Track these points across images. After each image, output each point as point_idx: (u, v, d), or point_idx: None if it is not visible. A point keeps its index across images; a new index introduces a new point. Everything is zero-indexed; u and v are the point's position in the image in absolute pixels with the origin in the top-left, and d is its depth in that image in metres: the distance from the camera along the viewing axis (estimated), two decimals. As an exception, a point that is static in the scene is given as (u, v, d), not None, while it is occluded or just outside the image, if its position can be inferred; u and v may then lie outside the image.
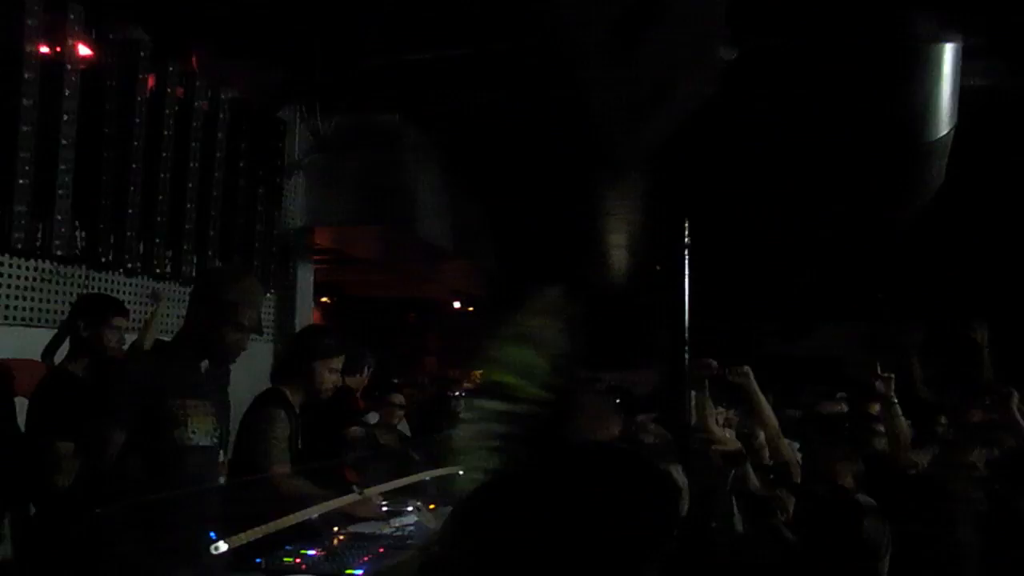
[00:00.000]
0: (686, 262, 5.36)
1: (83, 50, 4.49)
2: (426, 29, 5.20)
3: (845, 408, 5.73)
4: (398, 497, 3.71)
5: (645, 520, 1.04)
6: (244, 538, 2.58)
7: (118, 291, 4.80)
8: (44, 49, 4.25)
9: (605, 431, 3.63)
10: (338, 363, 3.66)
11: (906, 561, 3.38)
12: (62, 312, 4.30)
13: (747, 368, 4.07)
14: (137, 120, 4.86)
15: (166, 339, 3.06)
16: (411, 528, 3.39)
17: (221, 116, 5.63)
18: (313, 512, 3.03)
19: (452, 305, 12.88)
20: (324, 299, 11.06)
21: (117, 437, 2.63)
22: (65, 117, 4.33)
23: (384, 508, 3.56)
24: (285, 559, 2.89)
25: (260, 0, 5.01)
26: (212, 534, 2.55)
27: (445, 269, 9.82)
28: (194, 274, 5.30)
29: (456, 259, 8.84)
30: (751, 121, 5.56)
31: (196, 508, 2.70)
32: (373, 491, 3.50)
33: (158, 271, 5.13)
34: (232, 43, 5.46)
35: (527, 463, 1.21)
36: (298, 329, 5.93)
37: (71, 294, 4.47)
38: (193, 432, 2.73)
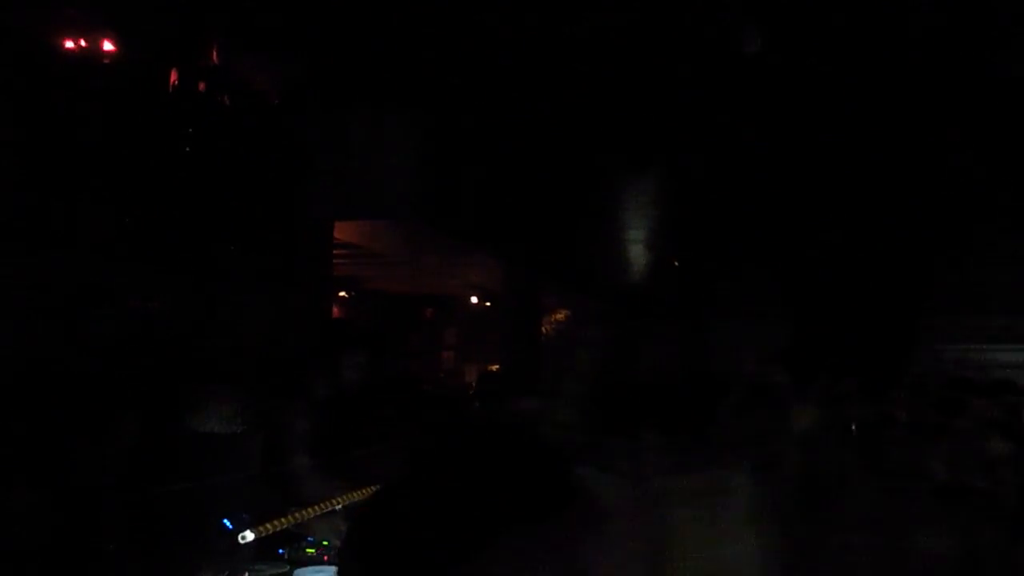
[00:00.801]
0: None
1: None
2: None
3: None
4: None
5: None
6: (269, 528, 2.59)
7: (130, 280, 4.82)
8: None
9: None
10: (361, 358, 3.66)
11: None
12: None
13: None
14: (159, 113, 4.89)
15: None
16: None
17: (242, 109, 5.64)
18: (336, 504, 3.04)
19: (470, 300, 12.87)
20: (342, 293, 11.09)
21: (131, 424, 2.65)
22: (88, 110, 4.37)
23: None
24: (308, 550, 2.90)
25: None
26: (232, 524, 2.56)
27: (464, 264, 9.81)
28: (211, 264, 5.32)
29: (475, 254, 8.83)
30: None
31: (220, 497, 2.71)
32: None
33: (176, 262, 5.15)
34: (252, 36, 5.47)
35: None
36: (317, 323, 5.94)
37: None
38: (209, 418, 2.74)
